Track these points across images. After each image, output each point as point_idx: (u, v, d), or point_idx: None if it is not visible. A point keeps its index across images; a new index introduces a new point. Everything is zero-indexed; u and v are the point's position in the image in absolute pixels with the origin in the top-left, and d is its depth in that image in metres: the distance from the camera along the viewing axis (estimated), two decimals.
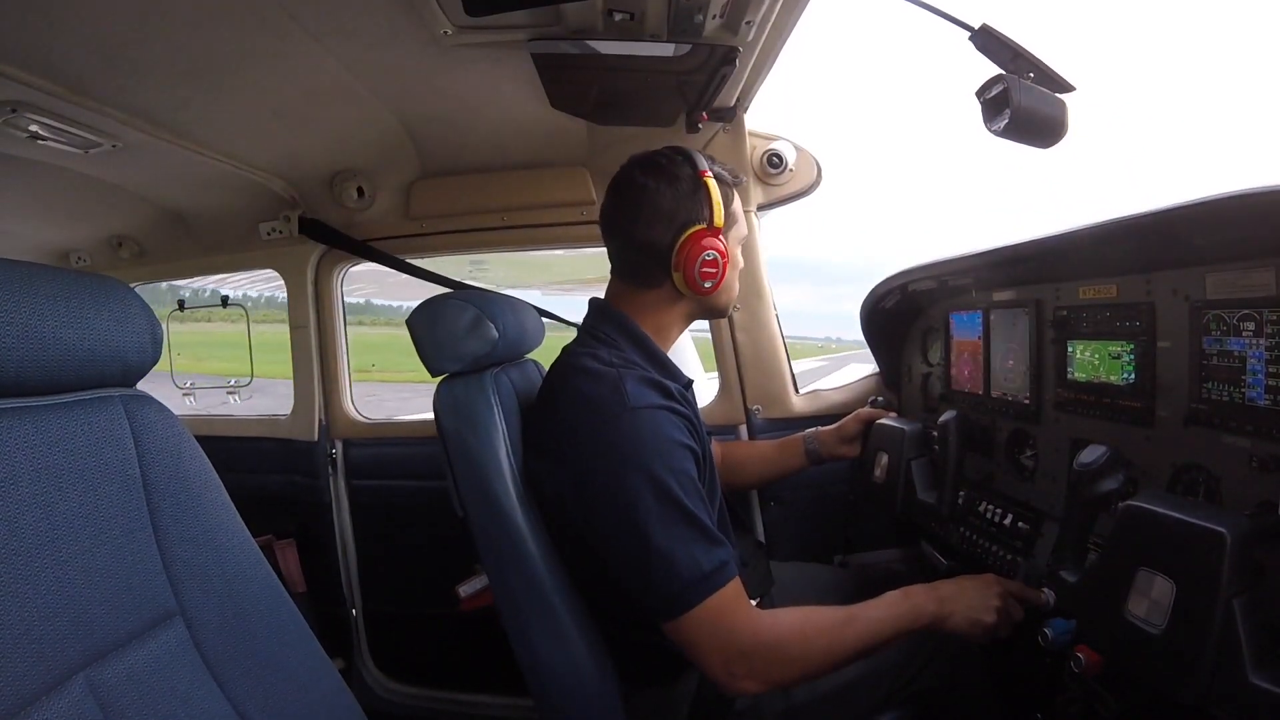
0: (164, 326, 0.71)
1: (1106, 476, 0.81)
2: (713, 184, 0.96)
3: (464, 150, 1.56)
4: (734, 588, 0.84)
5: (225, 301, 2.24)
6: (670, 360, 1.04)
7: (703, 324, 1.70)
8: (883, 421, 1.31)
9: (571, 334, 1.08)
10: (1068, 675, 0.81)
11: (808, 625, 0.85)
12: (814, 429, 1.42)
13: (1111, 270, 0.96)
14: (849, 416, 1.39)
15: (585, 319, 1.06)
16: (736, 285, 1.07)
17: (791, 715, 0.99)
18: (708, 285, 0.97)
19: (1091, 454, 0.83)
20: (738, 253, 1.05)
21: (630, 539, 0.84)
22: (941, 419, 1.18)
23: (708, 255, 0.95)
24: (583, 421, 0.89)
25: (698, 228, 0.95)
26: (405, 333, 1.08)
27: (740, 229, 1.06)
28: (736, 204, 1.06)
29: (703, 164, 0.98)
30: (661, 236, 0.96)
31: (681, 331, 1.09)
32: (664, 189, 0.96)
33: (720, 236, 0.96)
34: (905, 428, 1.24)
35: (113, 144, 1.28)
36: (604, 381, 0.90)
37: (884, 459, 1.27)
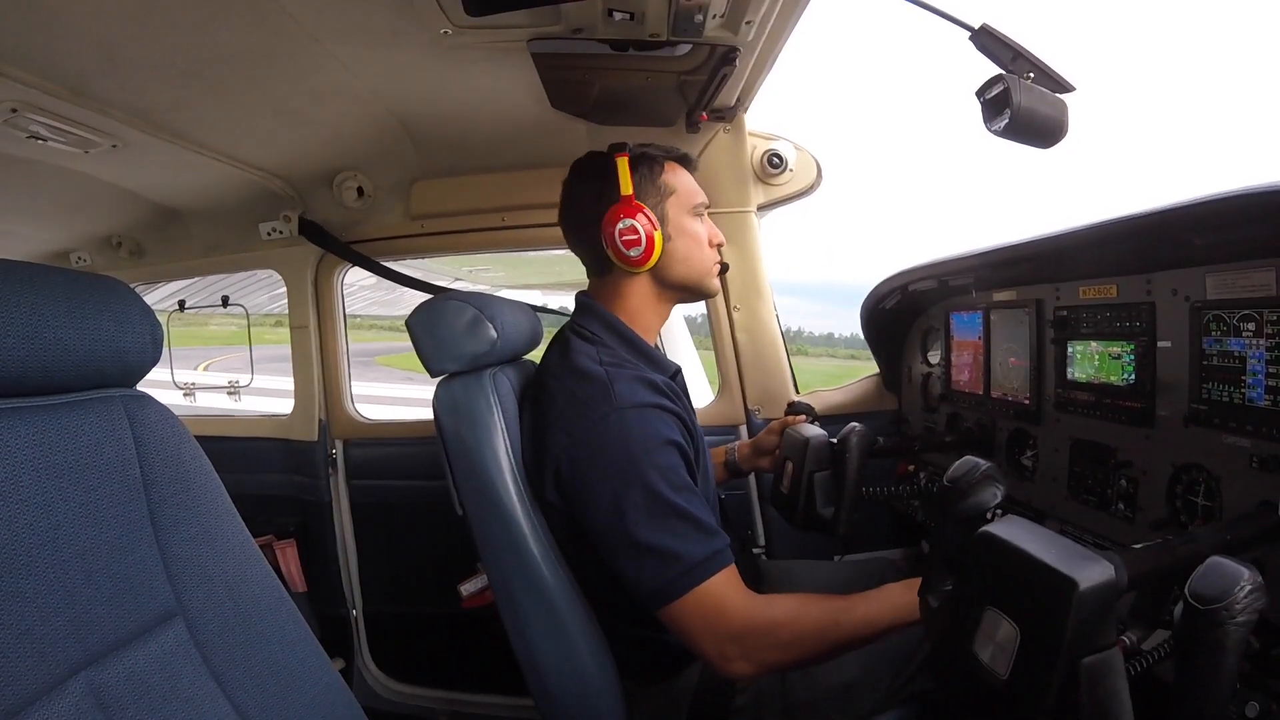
0: (164, 328, 0.71)
1: (980, 491, 0.71)
2: (621, 161, 1.01)
3: (464, 150, 1.56)
4: (727, 574, 0.86)
5: (225, 302, 2.25)
6: (654, 350, 1.07)
7: (703, 326, 1.72)
8: (791, 429, 1.21)
9: None
10: None
11: (802, 611, 0.87)
12: (738, 440, 1.44)
13: (1112, 270, 0.96)
14: (765, 429, 1.35)
15: (573, 315, 1.09)
16: (700, 257, 1.07)
17: (791, 713, 0.99)
18: (634, 254, 1.00)
19: (962, 467, 0.73)
20: (688, 222, 1.06)
21: (622, 536, 0.86)
22: (842, 432, 1.13)
23: (622, 226, 0.99)
24: (574, 423, 0.91)
25: (611, 206, 1.00)
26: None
27: (687, 197, 1.06)
28: (678, 175, 1.06)
29: (621, 149, 1.03)
30: (590, 226, 1.02)
31: (661, 316, 1.10)
32: (583, 184, 1.05)
33: (641, 210, 1.00)
34: (809, 437, 1.15)
35: (113, 144, 1.28)
36: (594, 383, 0.93)
37: (790, 468, 1.18)
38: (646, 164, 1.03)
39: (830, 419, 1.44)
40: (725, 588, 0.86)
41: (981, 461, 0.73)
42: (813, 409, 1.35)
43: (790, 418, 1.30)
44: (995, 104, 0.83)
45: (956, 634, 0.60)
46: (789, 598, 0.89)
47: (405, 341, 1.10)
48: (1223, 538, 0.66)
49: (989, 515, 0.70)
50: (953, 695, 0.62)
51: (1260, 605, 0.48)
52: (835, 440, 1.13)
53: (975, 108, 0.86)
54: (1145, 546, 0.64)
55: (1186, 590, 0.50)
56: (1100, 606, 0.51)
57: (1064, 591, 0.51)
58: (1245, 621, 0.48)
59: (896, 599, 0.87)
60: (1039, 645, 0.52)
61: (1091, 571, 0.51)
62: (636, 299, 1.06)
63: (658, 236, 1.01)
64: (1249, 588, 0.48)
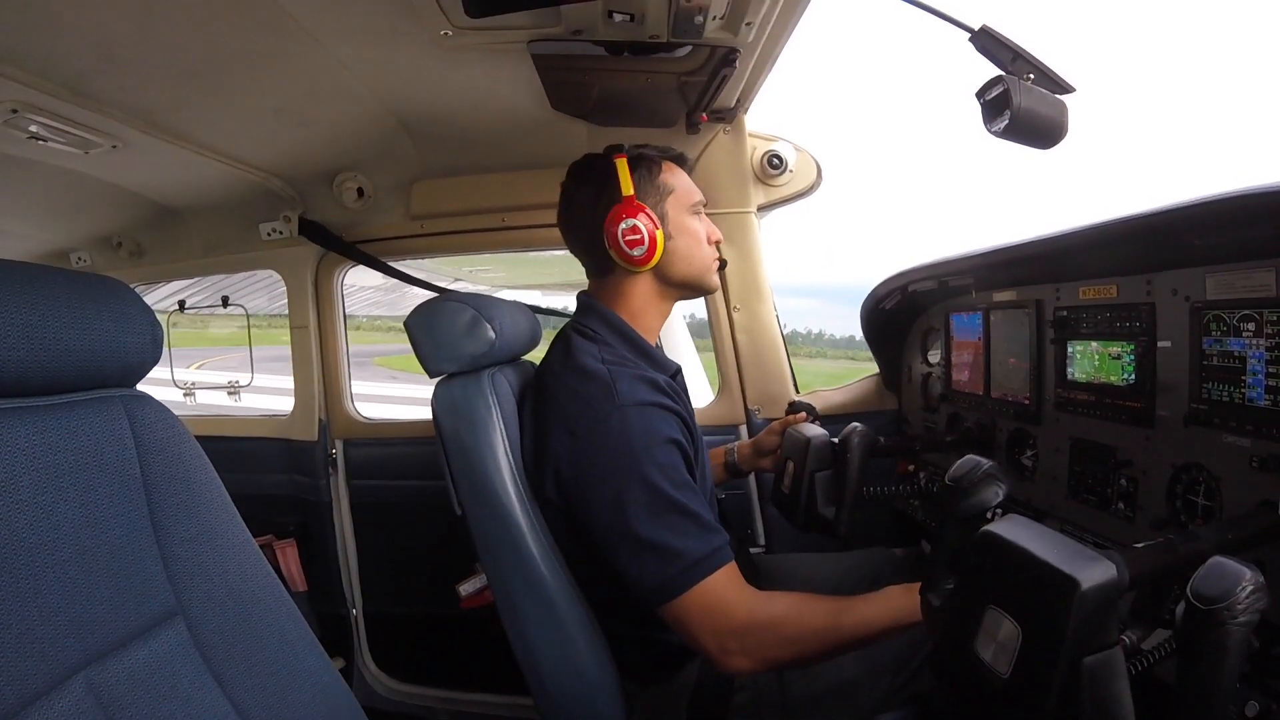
0: (164, 328, 0.71)
1: (982, 490, 0.71)
2: (620, 162, 1.02)
3: (464, 151, 1.56)
4: (728, 571, 0.87)
5: (226, 302, 2.26)
6: (654, 349, 1.08)
7: (703, 327, 1.71)
8: (792, 429, 1.21)
9: None
10: None
11: (803, 607, 0.87)
12: (738, 441, 1.44)
13: (1112, 270, 0.96)
14: (765, 429, 1.35)
15: (574, 314, 1.09)
16: (701, 255, 1.08)
17: (789, 712, 0.99)
18: (638, 254, 1.01)
19: (964, 466, 0.74)
20: (688, 220, 1.06)
21: (623, 533, 0.87)
22: (844, 432, 1.12)
23: (624, 226, 1.00)
24: (576, 421, 0.92)
25: (613, 207, 1.01)
26: None
27: (685, 196, 1.06)
28: (676, 175, 1.07)
29: (618, 150, 1.04)
30: (591, 227, 1.03)
31: (663, 314, 1.10)
32: (582, 186, 1.05)
33: (642, 210, 1.00)
34: (811, 437, 1.15)
35: (113, 144, 1.28)
36: (596, 381, 0.93)
37: (791, 468, 1.18)
38: (645, 165, 1.04)
39: (830, 419, 1.44)
40: (726, 584, 0.86)
41: (984, 461, 0.73)
42: (814, 408, 1.35)
43: (791, 417, 1.30)
44: (995, 105, 0.83)
45: (958, 633, 0.59)
46: (789, 595, 0.89)
47: (405, 343, 1.10)
48: (1224, 537, 0.66)
49: (990, 514, 0.70)
50: (954, 694, 0.62)
51: (1262, 605, 0.48)
52: (836, 440, 1.13)
53: (975, 109, 0.86)
54: (1146, 545, 0.63)
55: (1188, 590, 0.50)
56: (1102, 606, 0.51)
57: (1066, 591, 0.51)
58: (1247, 622, 0.48)
59: (897, 601, 0.87)
60: (1041, 644, 0.52)
61: (1093, 571, 0.51)
62: (639, 298, 1.06)
63: (659, 236, 1.01)
64: (1250, 588, 0.48)
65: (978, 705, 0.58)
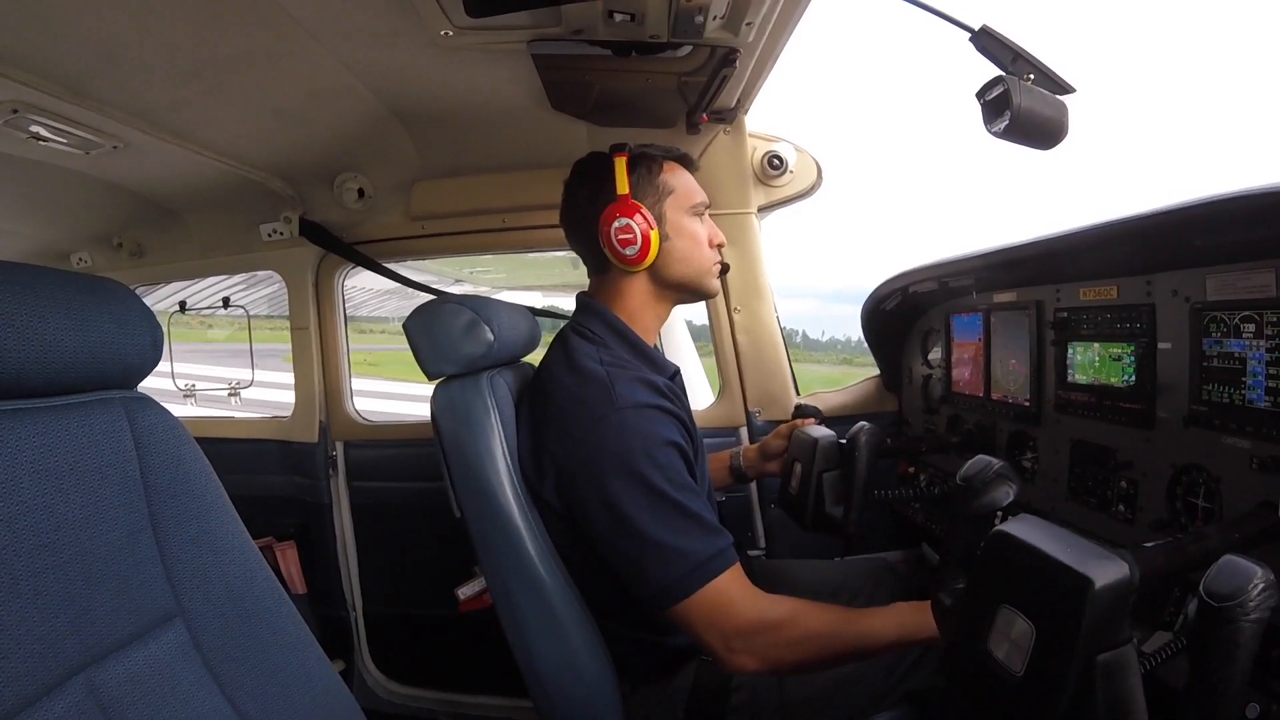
0: (164, 329, 0.71)
1: (993, 490, 0.72)
2: (619, 161, 1.02)
3: (464, 151, 1.56)
4: (733, 572, 0.87)
5: (226, 303, 2.25)
6: (653, 350, 1.07)
7: (704, 330, 1.71)
8: (799, 430, 1.22)
9: None
10: None
11: (809, 611, 0.87)
12: (743, 445, 1.43)
13: (1112, 272, 0.96)
14: (772, 433, 1.35)
15: (573, 315, 1.09)
16: (699, 257, 1.06)
17: (787, 711, 0.99)
18: (630, 253, 1.00)
19: (975, 466, 0.75)
20: (687, 222, 1.05)
21: (625, 535, 0.86)
22: (851, 431, 1.13)
23: (618, 225, 1.00)
24: (574, 423, 0.92)
25: (608, 205, 1.01)
26: None
27: (685, 197, 1.06)
28: (677, 175, 1.06)
29: (621, 149, 1.04)
30: (588, 225, 1.03)
31: (660, 316, 1.10)
32: (582, 183, 1.05)
33: (637, 209, 1.00)
34: (818, 437, 1.16)
35: (113, 144, 1.28)
36: (595, 383, 0.93)
37: (798, 469, 1.19)
38: (645, 164, 1.04)
39: (831, 420, 1.44)
40: (731, 585, 0.86)
41: (994, 460, 0.74)
42: (820, 411, 1.35)
43: (798, 421, 1.30)
44: (995, 105, 0.83)
45: (971, 632, 0.60)
46: (795, 599, 0.89)
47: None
48: (1231, 536, 0.66)
49: (999, 514, 0.71)
50: (966, 693, 0.62)
51: (1273, 603, 0.49)
52: (844, 440, 1.13)
53: (976, 109, 0.86)
54: (1155, 545, 0.64)
55: (1201, 588, 0.51)
56: (1114, 604, 0.51)
57: (1079, 589, 0.51)
58: (1259, 619, 0.49)
59: (905, 617, 0.87)
60: (1054, 642, 0.52)
61: (1106, 569, 0.52)
62: (635, 299, 1.06)
63: (654, 236, 1.01)
64: (1262, 585, 0.49)
65: (990, 703, 0.59)
